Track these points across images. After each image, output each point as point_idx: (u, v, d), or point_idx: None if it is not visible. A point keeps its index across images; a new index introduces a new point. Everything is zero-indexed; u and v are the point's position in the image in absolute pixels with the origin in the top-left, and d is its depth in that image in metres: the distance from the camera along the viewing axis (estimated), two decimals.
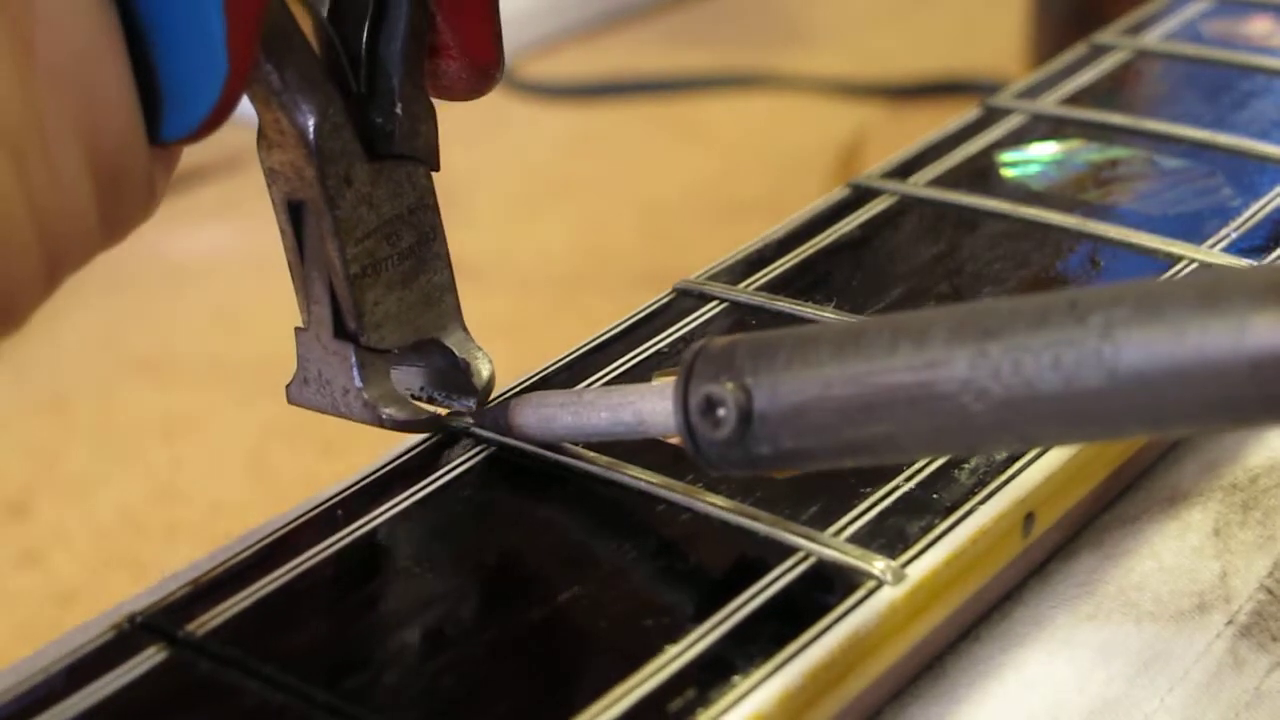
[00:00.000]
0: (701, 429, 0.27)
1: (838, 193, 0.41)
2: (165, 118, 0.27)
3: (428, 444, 0.32)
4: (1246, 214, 0.39)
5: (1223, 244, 0.38)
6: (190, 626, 0.28)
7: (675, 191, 0.94)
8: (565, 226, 0.91)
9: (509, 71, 0.31)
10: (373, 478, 0.31)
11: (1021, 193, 0.41)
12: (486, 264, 0.84)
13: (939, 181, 0.41)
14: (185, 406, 0.77)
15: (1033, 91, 0.46)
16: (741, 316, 0.36)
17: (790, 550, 0.29)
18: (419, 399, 0.33)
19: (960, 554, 0.29)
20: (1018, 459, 0.31)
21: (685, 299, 0.37)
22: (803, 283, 0.37)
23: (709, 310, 0.36)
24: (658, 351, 0.35)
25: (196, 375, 0.79)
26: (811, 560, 0.28)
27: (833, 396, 0.26)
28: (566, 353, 0.35)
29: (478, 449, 0.32)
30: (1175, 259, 0.37)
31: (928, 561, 0.29)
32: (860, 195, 0.41)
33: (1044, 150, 0.43)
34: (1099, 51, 0.49)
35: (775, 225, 0.40)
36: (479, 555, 0.30)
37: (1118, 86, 0.47)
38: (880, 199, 0.41)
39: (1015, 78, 0.52)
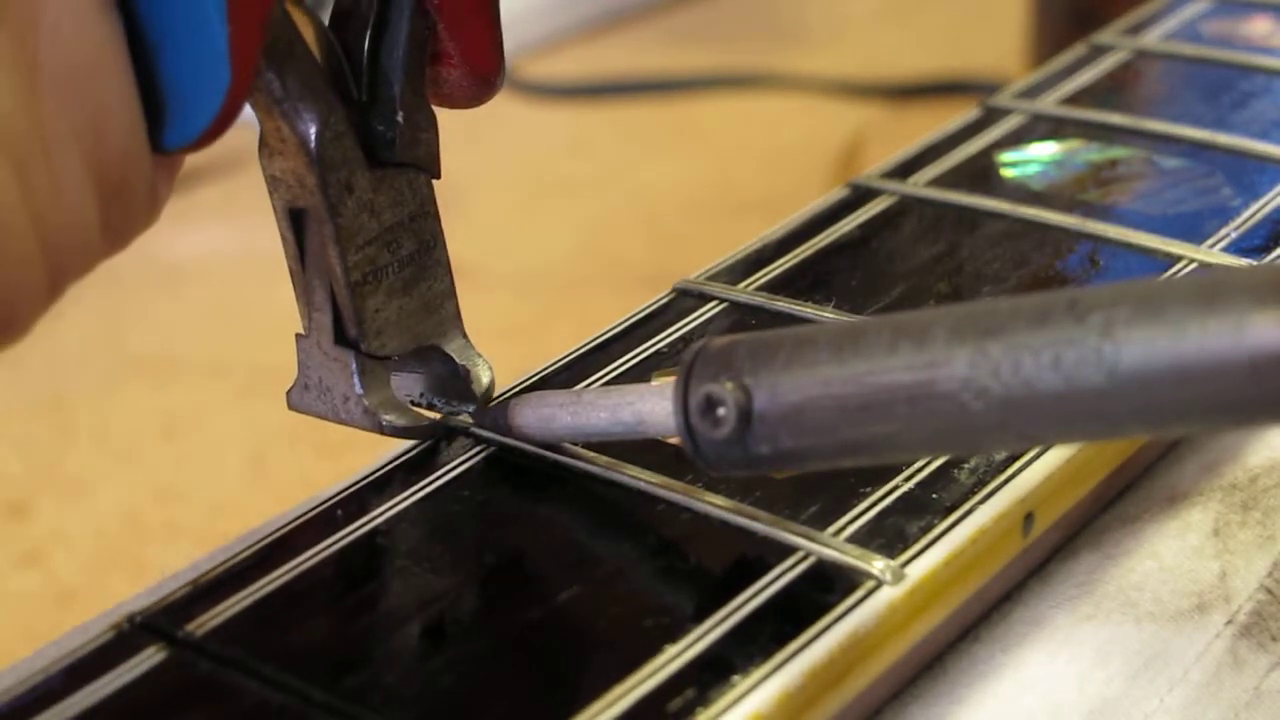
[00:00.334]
0: (701, 429, 0.27)
1: (837, 193, 0.41)
2: (168, 126, 0.27)
3: (427, 444, 0.32)
4: (1246, 214, 0.39)
5: (1222, 244, 0.38)
6: (190, 627, 0.28)
7: (675, 191, 0.94)
8: (565, 226, 0.91)
9: (509, 71, 0.31)
10: (372, 478, 0.31)
11: (1021, 193, 0.41)
12: (486, 264, 0.84)
13: (939, 181, 0.41)
14: (185, 406, 0.77)
15: (1033, 91, 0.46)
16: (741, 317, 0.36)
17: (790, 550, 0.29)
18: (419, 405, 0.33)
19: (960, 554, 0.29)
20: (1017, 459, 0.31)
21: (685, 299, 0.37)
22: (802, 283, 0.37)
23: (708, 310, 0.36)
24: (657, 352, 0.35)
25: (196, 375, 0.79)
26: (811, 560, 0.28)
27: (832, 396, 0.26)
28: (566, 353, 0.35)
29: (477, 449, 0.32)
30: (1175, 259, 0.37)
31: (927, 561, 0.29)
32: (860, 195, 0.41)
33: (1044, 150, 0.43)
34: (1099, 51, 0.49)
35: (775, 225, 0.40)
36: (478, 555, 0.30)
37: (1117, 86, 0.47)
38: (880, 199, 0.41)
39: (1015, 78, 0.52)
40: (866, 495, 0.30)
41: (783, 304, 0.36)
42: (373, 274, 0.31)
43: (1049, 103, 0.45)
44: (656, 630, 0.27)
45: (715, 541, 0.29)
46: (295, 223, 0.31)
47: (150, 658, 0.27)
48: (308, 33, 0.30)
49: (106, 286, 0.83)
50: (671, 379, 0.28)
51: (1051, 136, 0.44)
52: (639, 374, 0.34)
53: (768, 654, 0.26)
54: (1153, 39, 0.50)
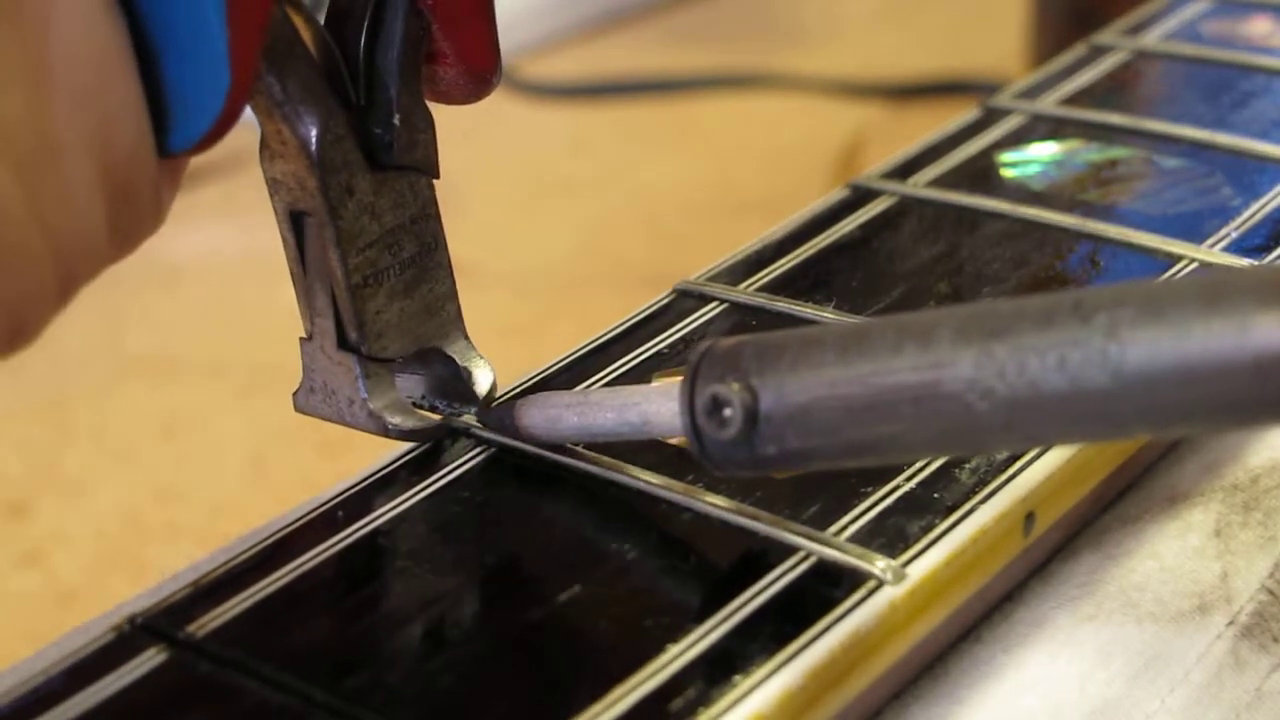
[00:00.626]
0: (707, 429, 0.27)
1: (837, 193, 0.41)
2: (170, 129, 0.27)
3: (428, 444, 0.32)
4: (1246, 213, 0.39)
5: (1223, 243, 0.38)
6: (190, 628, 0.28)
7: (675, 191, 0.94)
8: (565, 226, 0.91)
9: (508, 71, 0.31)
10: (373, 478, 0.31)
11: (1021, 193, 0.41)
12: (486, 264, 0.84)
13: (939, 182, 0.41)
14: (185, 406, 0.77)
15: (1032, 92, 0.46)
16: (742, 317, 0.36)
17: (791, 550, 0.29)
18: (420, 407, 0.33)
19: (961, 553, 0.29)
20: (1018, 458, 0.31)
21: (685, 300, 0.37)
22: (803, 283, 0.37)
23: (709, 311, 0.36)
24: (658, 352, 0.35)
25: (196, 375, 0.79)
26: (812, 560, 0.28)
27: (838, 396, 0.26)
28: (566, 354, 0.35)
29: (478, 449, 0.32)
30: (1175, 259, 0.37)
31: (928, 561, 0.29)
32: (860, 196, 0.41)
33: (1044, 150, 0.43)
34: (1099, 52, 0.49)
35: (775, 225, 0.40)
36: (479, 555, 0.30)
37: (1117, 87, 0.47)
38: (880, 199, 0.41)
39: (1015, 78, 0.52)
40: (867, 495, 0.30)
41: (783, 305, 0.36)
42: (373, 276, 0.31)
43: (1049, 103, 0.45)
44: (658, 630, 0.27)
45: (716, 541, 0.29)
46: (296, 225, 0.31)
47: (151, 659, 0.27)
48: (307, 35, 0.30)
49: (106, 286, 0.83)
50: (677, 380, 0.28)
51: (1051, 137, 0.44)
52: (639, 375, 0.34)
53: (769, 654, 0.26)
54: (1153, 39, 0.50)
